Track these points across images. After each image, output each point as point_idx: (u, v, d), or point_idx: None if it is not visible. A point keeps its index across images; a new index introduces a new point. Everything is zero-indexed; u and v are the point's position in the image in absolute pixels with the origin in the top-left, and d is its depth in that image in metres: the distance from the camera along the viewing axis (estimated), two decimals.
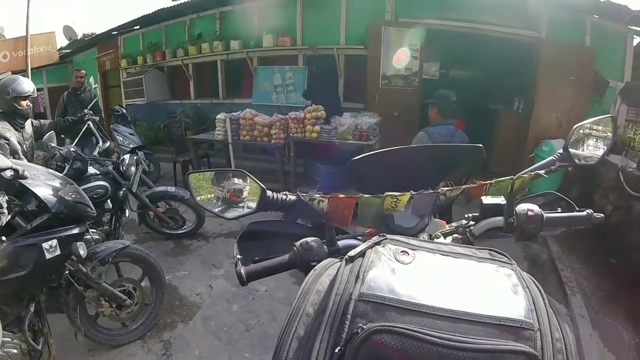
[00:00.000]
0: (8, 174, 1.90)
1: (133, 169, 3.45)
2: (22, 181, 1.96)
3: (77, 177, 3.03)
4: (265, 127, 4.60)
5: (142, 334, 2.69)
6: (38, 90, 9.12)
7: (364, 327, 0.49)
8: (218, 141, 5.15)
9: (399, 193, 0.89)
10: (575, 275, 3.43)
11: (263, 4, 6.49)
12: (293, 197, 0.92)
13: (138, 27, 8.60)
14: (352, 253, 0.61)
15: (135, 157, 3.59)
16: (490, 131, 6.13)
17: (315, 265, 0.71)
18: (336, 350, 0.49)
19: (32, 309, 2.10)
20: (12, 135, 3.02)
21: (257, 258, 0.87)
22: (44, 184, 2.05)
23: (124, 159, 3.41)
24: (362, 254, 0.60)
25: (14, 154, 2.92)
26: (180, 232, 4.08)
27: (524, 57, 5.64)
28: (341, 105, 5.42)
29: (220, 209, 0.94)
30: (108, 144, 3.57)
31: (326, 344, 0.50)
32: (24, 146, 3.17)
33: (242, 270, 0.83)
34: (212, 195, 0.96)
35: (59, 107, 4.52)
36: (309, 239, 0.82)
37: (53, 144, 3.21)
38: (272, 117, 4.62)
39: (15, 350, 1.98)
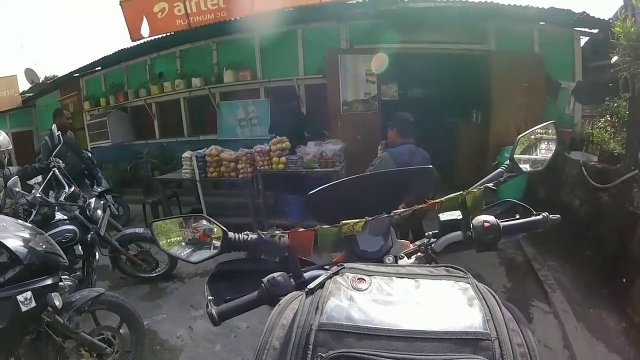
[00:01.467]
0: None
1: (99, 212, 3.44)
2: None
3: (45, 222, 3.05)
4: (232, 162, 4.61)
5: None
6: None
7: (323, 355, 0.52)
8: (186, 179, 5.11)
9: (354, 220, 0.93)
10: (553, 272, 3.61)
11: (222, 40, 6.64)
12: (254, 236, 0.95)
13: (100, 68, 8.56)
14: (311, 285, 0.65)
15: (102, 201, 3.61)
16: (451, 145, 6.42)
17: (281, 299, 0.74)
18: None
19: None
20: None
21: (228, 297, 0.88)
22: (14, 235, 2.05)
23: (90, 202, 3.42)
24: (321, 285, 0.64)
25: None
26: (154, 274, 4.01)
27: (478, 71, 6.02)
28: (305, 135, 5.50)
29: (185, 253, 0.96)
30: (73, 188, 3.56)
31: None
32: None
33: (214, 310, 0.85)
34: (179, 239, 0.98)
35: (44, 150, 4.35)
36: (275, 274, 0.85)
37: (17, 189, 3.21)
38: (238, 152, 4.64)
39: None
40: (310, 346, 0.53)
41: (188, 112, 7.44)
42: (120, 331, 2.59)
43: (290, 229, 0.97)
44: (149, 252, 3.92)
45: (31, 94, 10.30)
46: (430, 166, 1.16)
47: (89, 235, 3.28)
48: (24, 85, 10.93)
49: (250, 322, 3.05)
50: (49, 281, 2.10)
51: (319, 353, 0.53)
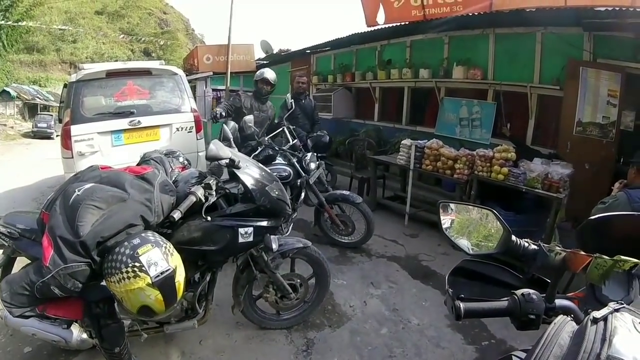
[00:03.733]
0: (224, 162, 2.16)
1: (313, 165, 3.87)
2: (235, 170, 2.20)
3: (266, 162, 3.46)
4: (450, 159, 4.50)
5: (291, 325, 2.89)
6: (234, 91, 10.49)
7: None
8: (396, 165, 5.23)
9: (634, 260, 0.82)
10: None
11: (455, 35, 6.39)
12: (534, 246, 0.93)
13: (329, 48, 9.34)
14: (596, 315, 0.64)
15: (317, 160, 4.02)
16: None
17: (533, 318, 0.80)
18: None
19: (207, 278, 2.35)
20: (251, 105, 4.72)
21: (462, 296, 0.87)
22: (253, 178, 2.25)
23: (306, 155, 3.87)
24: (604, 319, 0.63)
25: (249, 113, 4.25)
26: (346, 240, 4.28)
27: None
28: (529, 147, 4.96)
29: (462, 241, 0.99)
30: (295, 141, 4.06)
31: None
32: (260, 116, 4.60)
33: (462, 305, 0.85)
34: (463, 226, 1.00)
35: (282, 109, 5.02)
36: (530, 291, 0.84)
37: (251, 125, 3.72)
38: (459, 152, 4.48)
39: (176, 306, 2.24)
40: None
41: (410, 101, 7.50)
42: (309, 282, 2.83)
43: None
44: (349, 217, 4.19)
45: (265, 62, 11.87)
46: None
47: (299, 181, 3.72)
48: (258, 54, 12.76)
49: (422, 320, 3.01)
50: (271, 223, 2.30)
51: None
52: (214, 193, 2.11)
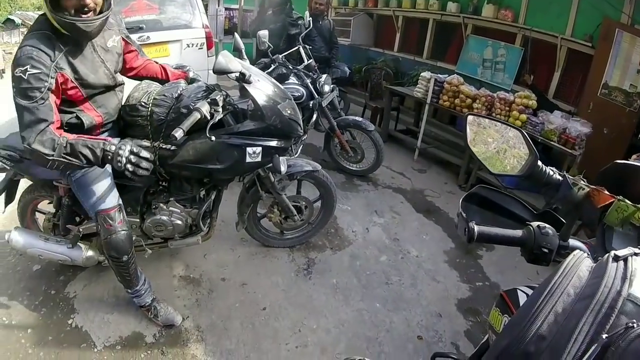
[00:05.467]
0: (233, 76, 1.95)
1: (327, 87, 3.74)
2: (246, 85, 2.00)
3: (279, 81, 3.32)
4: (469, 98, 4.33)
5: (293, 244, 2.97)
6: (248, 11, 9.87)
7: (630, 324, 0.50)
8: (412, 98, 5.07)
9: None
10: None
11: None
12: (558, 177, 0.90)
13: None
14: (619, 253, 0.63)
15: (332, 83, 3.89)
16: None
17: (547, 252, 0.80)
18: (603, 337, 0.51)
19: (213, 196, 2.34)
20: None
21: (473, 221, 0.85)
22: (265, 94, 2.06)
23: (321, 77, 3.74)
24: (624, 259, 0.63)
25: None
26: (354, 168, 4.29)
27: None
28: (550, 101, 4.77)
29: (486, 157, 0.96)
30: (310, 62, 3.93)
31: (588, 327, 0.53)
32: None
33: (476, 227, 0.83)
34: (489, 142, 0.98)
35: (300, 25, 4.79)
36: (547, 225, 0.82)
37: (265, 40, 3.56)
38: (479, 91, 4.31)
39: (179, 222, 2.27)
40: (616, 310, 0.54)
41: (433, 34, 7.09)
42: (314, 205, 2.85)
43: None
44: (360, 145, 4.14)
45: None
46: None
47: (312, 102, 3.64)
48: None
49: (420, 253, 3.07)
50: (281, 144, 2.15)
51: (624, 320, 0.53)
52: (220, 110, 1.93)
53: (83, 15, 1.62)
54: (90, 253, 2.29)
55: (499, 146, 0.97)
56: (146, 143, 1.88)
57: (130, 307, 2.34)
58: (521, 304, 0.91)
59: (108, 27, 1.88)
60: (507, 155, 0.97)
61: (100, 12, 1.70)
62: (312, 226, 2.97)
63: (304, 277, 2.73)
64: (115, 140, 1.76)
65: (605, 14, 4.53)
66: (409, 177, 4.45)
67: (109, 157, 1.70)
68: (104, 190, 1.98)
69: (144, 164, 1.73)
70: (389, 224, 3.45)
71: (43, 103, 1.63)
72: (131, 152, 1.71)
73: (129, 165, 1.69)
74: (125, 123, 2.12)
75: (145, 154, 1.74)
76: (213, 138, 1.96)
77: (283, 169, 2.20)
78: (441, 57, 6.97)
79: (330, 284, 2.68)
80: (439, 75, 4.67)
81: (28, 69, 1.58)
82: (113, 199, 2.00)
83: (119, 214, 2.00)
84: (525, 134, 0.95)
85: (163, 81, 2.32)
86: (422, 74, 4.86)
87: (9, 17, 25.89)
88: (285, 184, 2.58)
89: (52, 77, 1.65)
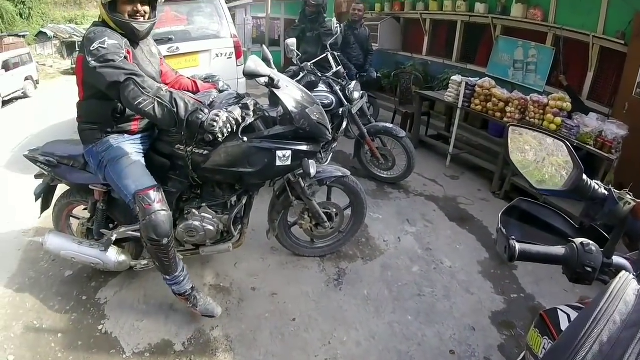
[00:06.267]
0: (262, 80, 2.03)
1: (357, 94, 3.69)
2: (274, 90, 2.07)
3: (308, 89, 3.33)
4: (501, 101, 4.17)
5: (324, 254, 2.92)
6: (275, 20, 10.19)
7: None
8: (443, 102, 4.94)
9: None
10: None
11: None
12: (604, 191, 0.85)
13: None
14: None
15: (361, 90, 3.84)
16: None
17: (589, 271, 0.75)
18: None
19: (244, 202, 2.35)
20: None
21: (513, 237, 0.80)
22: (293, 99, 2.13)
23: (350, 83, 3.68)
24: None
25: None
26: (385, 175, 4.20)
27: None
28: (584, 102, 4.56)
29: (528, 171, 0.91)
30: (339, 69, 3.86)
31: (635, 358, 0.51)
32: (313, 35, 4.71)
33: (517, 246, 0.78)
34: (532, 155, 0.92)
35: (327, 34, 4.80)
36: (590, 242, 0.78)
37: (293, 49, 3.56)
38: (512, 94, 4.15)
39: (211, 227, 2.28)
40: None
41: (462, 36, 6.97)
42: (344, 212, 2.79)
43: None
44: (390, 152, 4.07)
45: None
46: None
47: (342, 109, 3.58)
48: None
49: (454, 263, 2.96)
50: (310, 148, 2.19)
51: None
52: (251, 114, 2.05)
53: (137, 18, 1.94)
54: (122, 257, 2.32)
55: (538, 155, 0.93)
56: (238, 111, 1.97)
57: (160, 315, 2.34)
58: (562, 326, 0.88)
59: (149, 43, 2.18)
60: (545, 164, 0.93)
61: (149, 19, 2.01)
62: (342, 234, 2.91)
63: (335, 287, 2.66)
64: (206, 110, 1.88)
65: (637, 8, 4.31)
66: (441, 184, 4.33)
67: (199, 117, 1.82)
68: (139, 173, 2.03)
69: (233, 122, 1.87)
70: (421, 233, 3.34)
71: (127, 61, 1.86)
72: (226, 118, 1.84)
73: (221, 124, 1.81)
74: (160, 128, 2.20)
75: (237, 114, 1.92)
76: (245, 139, 2.02)
77: (313, 171, 2.19)
78: (471, 60, 6.85)
79: (361, 295, 2.60)
80: (469, 78, 4.53)
81: (106, 40, 1.81)
82: (150, 180, 2.04)
83: (157, 193, 2.02)
84: (570, 146, 0.90)
85: (194, 94, 2.37)
86: (452, 78, 4.73)
87: (42, 30, 27.16)
88: (315, 190, 2.56)
89: (124, 50, 1.87)
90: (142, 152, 2.16)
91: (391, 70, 7.35)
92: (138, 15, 1.95)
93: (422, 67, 7.39)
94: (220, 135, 1.81)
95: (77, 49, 25.51)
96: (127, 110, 1.99)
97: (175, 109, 1.79)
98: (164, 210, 1.99)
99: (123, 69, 1.78)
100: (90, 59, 1.78)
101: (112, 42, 1.82)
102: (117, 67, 1.77)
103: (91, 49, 1.79)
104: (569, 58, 5.00)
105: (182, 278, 2.18)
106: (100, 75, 1.77)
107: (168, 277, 2.16)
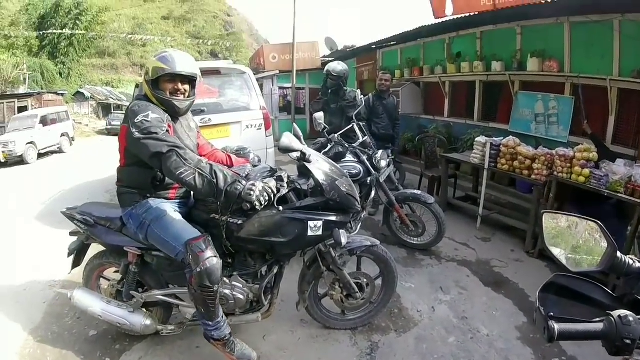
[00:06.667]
0: (294, 155, 2.20)
1: (384, 163, 3.76)
2: (306, 164, 2.21)
3: (336, 159, 3.37)
4: (528, 159, 4.16)
5: (355, 326, 2.83)
6: (301, 89, 10.77)
7: None
8: (469, 164, 4.96)
9: None
10: None
11: (527, 25, 5.98)
12: (639, 265, 0.87)
13: (395, 42, 9.20)
14: None
15: (387, 157, 3.91)
16: None
17: (628, 343, 0.74)
18: None
19: (275, 271, 2.39)
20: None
21: (552, 314, 0.81)
22: (323, 172, 2.24)
23: (377, 153, 3.77)
24: None
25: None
26: (415, 242, 4.14)
27: None
28: (610, 149, 4.49)
29: (564, 256, 0.93)
30: (366, 138, 3.94)
31: None
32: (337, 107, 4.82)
33: (556, 327, 0.78)
34: (566, 239, 0.94)
35: (366, 106, 5.01)
36: (629, 313, 0.78)
37: (321, 122, 3.71)
38: (537, 151, 4.14)
39: (241, 296, 2.29)
40: None
41: (482, 95, 7.13)
42: (375, 282, 2.75)
43: None
44: (420, 218, 4.05)
45: (330, 59, 11.87)
46: None
47: (370, 179, 3.64)
48: (322, 51, 13.16)
49: (491, 331, 2.82)
50: (340, 218, 2.27)
51: None
52: (285, 185, 2.16)
53: (177, 96, 2.14)
54: (149, 321, 2.36)
55: (575, 241, 0.95)
56: (273, 182, 2.08)
57: None
58: None
59: (188, 117, 2.37)
60: (580, 247, 0.95)
61: (188, 97, 2.22)
62: (374, 305, 2.84)
63: None
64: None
65: None
66: (473, 248, 4.23)
67: (237, 187, 1.92)
68: (185, 226, 2.15)
69: (269, 191, 1.98)
70: (455, 301, 3.22)
71: (169, 134, 2.01)
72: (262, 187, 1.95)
73: (258, 193, 1.91)
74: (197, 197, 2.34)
75: (272, 185, 2.01)
76: (281, 208, 2.14)
77: (344, 240, 2.24)
78: (492, 118, 6.94)
79: None
80: (494, 138, 4.56)
81: (150, 114, 1.98)
82: (197, 231, 2.13)
83: (208, 242, 2.09)
84: (603, 226, 0.92)
85: (229, 167, 2.49)
86: (477, 139, 4.77)
87: (79, 90, 29.18)
88: (346, 260, 2.56)
89: (165, 124, 2.02)
90: (180, 214, 2.27)
91: (414, 134, 7.48)
92: (179, 93, 2.14)
93: (444, 128, 7.51)
94: (257, 204, 1.90)
95: (112, 111, 27.16)
96: (166, 178, 2.14)
97: (215, 180, 1.90)
98: (215, 257, 2.06)
99: (166, 142, 1.91)
100: (134, 130, 1.94)
101: (155, 115, 1.99)
102: (160, 139, 1.91)
103: (135, 121, 1.95)
104: (589, 105, 4.98)
105: (222, 323, 2.22)
106: (143, 145, 1.91)
107: (211, 323, 2.18)
